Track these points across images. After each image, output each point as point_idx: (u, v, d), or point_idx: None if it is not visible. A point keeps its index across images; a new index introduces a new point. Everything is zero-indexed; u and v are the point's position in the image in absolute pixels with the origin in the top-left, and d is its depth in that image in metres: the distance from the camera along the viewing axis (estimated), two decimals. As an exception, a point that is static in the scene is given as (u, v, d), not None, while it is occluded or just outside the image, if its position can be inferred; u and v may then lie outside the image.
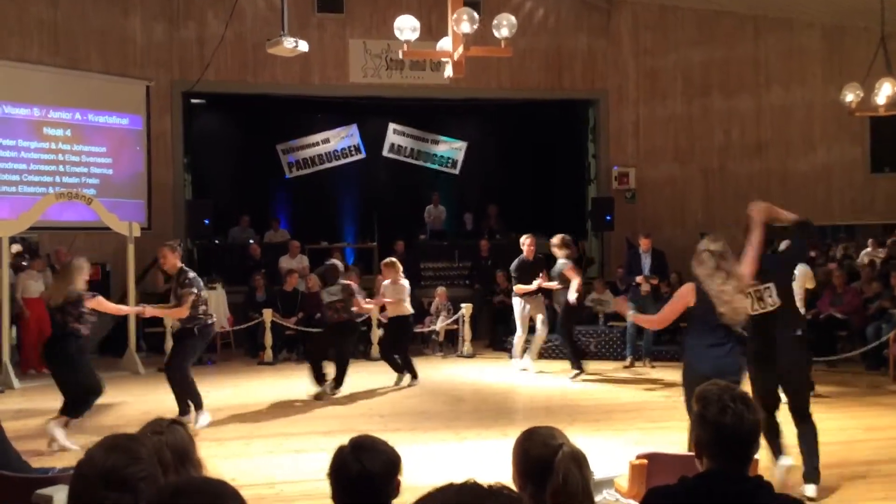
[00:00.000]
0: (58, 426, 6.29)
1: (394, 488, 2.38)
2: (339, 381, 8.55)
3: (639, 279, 10.11)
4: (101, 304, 6.82)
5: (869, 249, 12.09)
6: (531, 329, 9.99)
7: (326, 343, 8.78)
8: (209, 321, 7.30)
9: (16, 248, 10.89)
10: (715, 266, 4.55)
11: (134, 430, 2.51)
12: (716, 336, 4.59)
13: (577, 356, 9.55)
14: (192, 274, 7.24)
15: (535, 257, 9.82)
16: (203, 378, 9.71)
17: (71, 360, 6.48)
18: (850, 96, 9.06)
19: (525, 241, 9.80)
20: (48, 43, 12.16)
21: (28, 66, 11.91)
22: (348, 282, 8.76)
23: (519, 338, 9.97)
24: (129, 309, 8.60)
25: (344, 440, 2.43)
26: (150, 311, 7.60)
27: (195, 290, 7.11)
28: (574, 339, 9.82)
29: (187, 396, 7.10)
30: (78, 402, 6.51)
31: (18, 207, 10.85)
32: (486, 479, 1.42)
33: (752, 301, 4.81)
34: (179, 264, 7.33)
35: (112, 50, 12.84)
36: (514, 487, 2.30)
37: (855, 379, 9.27)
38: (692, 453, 2.35)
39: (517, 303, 9.80)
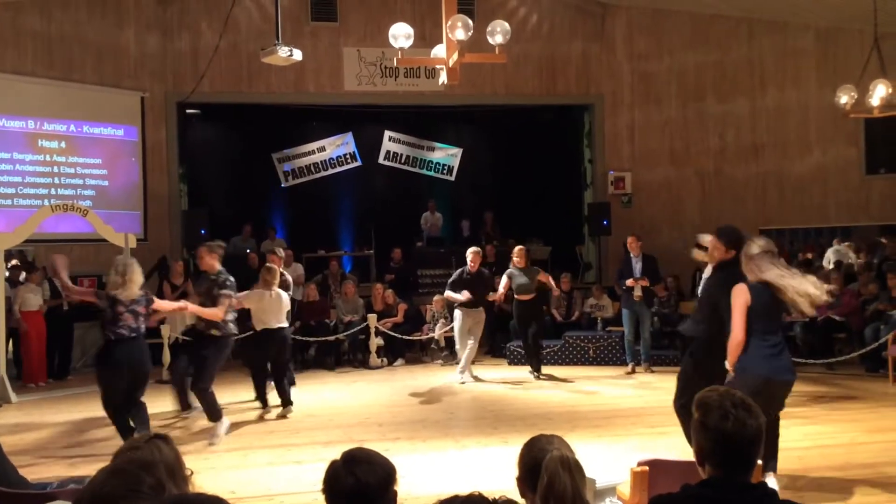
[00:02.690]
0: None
1: (390, 500, 2.35)
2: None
3: (629, 282, 10.01)
4: (157, 303, 6.91)
5: (836, 247, 12.08)
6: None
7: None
8: (232, 332, 7.11)
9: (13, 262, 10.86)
10: (781, 265, 4.66)
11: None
12: (776, 337, 4.68)
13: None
14: (231, 278, 7.09)
15: (478, 270, 9.85)
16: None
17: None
18: (845, 98, 9.09)
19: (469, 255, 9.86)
20: (42, 55, 12.15)
21: (22, 78, 11.90)
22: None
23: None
24: (174, 305, 7.61)
25: (344, 450, 2.41)
26: (191, 307, 7.12)
27: (232, 295, 7.01)
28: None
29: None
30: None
31: (14, 220, 10.82)
32: (491, 491, 1.40)
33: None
34: (218, 266, 7.14)
35: (106, 61, 12.83)
36: (518, 494, 2.30)
37: (854, 381, 9.25)
38: (693, 460, 2.33)
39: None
